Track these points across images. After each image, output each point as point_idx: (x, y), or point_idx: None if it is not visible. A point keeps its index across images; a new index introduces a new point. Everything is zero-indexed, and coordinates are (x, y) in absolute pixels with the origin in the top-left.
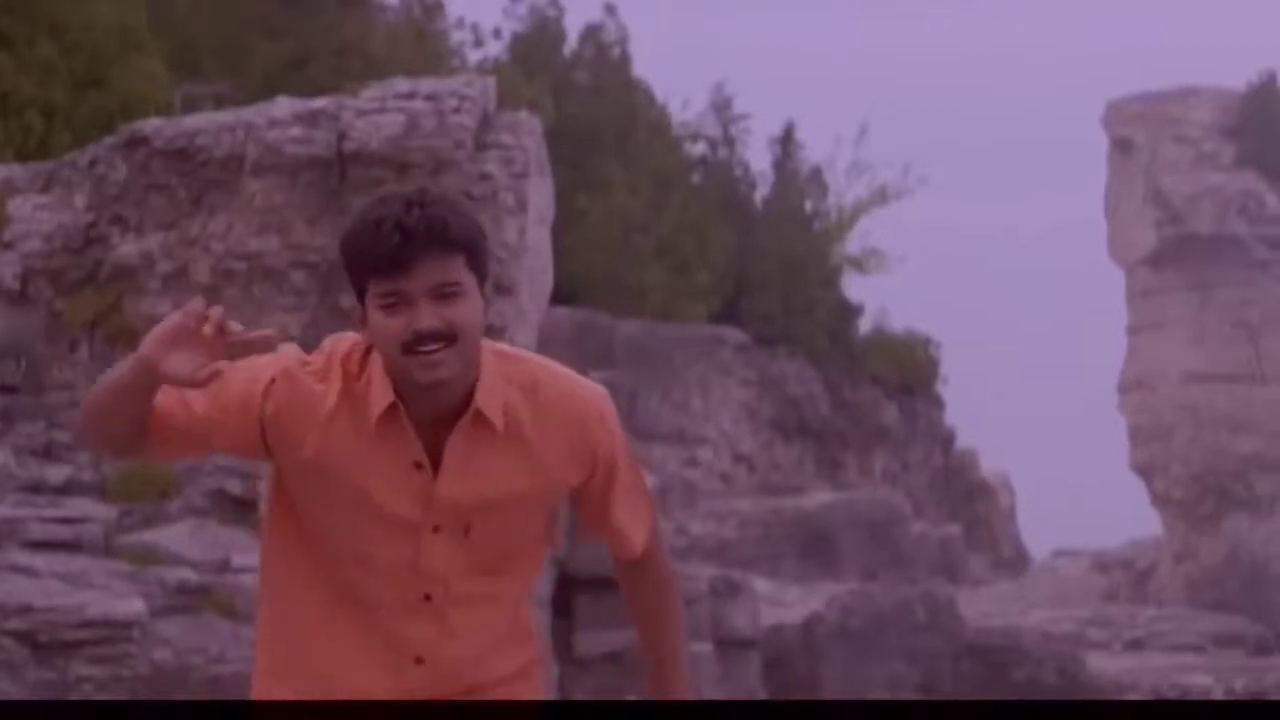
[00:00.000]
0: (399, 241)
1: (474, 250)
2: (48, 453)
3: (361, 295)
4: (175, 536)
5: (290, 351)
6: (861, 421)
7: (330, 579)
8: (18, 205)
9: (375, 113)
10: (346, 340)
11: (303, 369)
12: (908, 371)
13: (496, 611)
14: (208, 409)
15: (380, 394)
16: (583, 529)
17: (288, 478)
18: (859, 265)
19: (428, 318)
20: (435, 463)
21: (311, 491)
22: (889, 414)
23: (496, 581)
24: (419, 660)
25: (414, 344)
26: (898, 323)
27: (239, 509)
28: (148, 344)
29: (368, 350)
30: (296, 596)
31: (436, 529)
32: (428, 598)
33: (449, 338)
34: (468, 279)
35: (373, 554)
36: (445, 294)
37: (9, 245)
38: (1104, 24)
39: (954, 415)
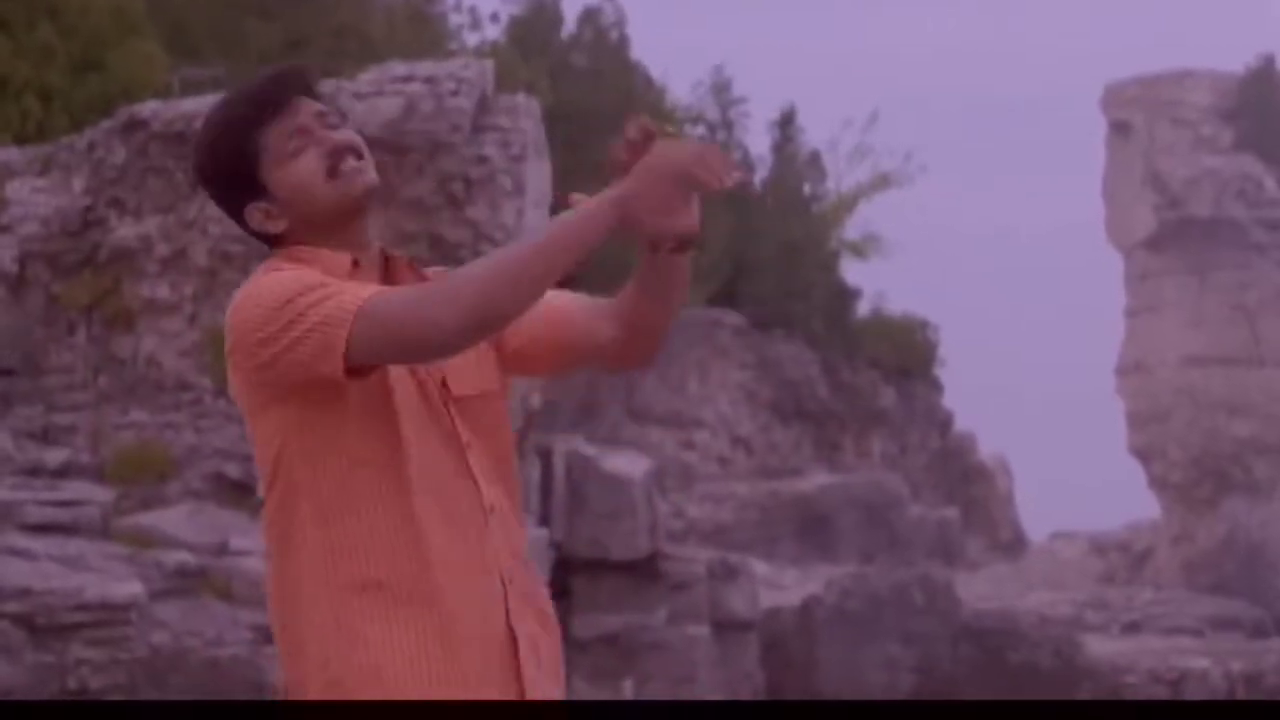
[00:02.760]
0: (276, 82)
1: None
2: (45, 436)
3: (245, 196)
4: (173, 519)
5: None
6: (859, 404)
7: (419, 515)
8: (15, 189)
9: (372, 96)
10: (274, 260)
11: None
12: (905, 354)
13: (521, 529)
14: None
15: (339, 260)
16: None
17: (351, 412)
18: (858, 250)
19: (336, 136)
20: None
21: (377, 419)
22: (887, 397)
23: (508, 493)
24: (506, 580)
25: (337, 161)
26: (896, 307)
27: (237, 492)
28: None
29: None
30: (399, 549)
31: (454, 422)
32: (492, 509)
33: (359, 153)
34: (337, 112)
35: (436, 468)
36: (331, 123)
37: (7, 229)
38: (1103, 17)
39: (952, 398)
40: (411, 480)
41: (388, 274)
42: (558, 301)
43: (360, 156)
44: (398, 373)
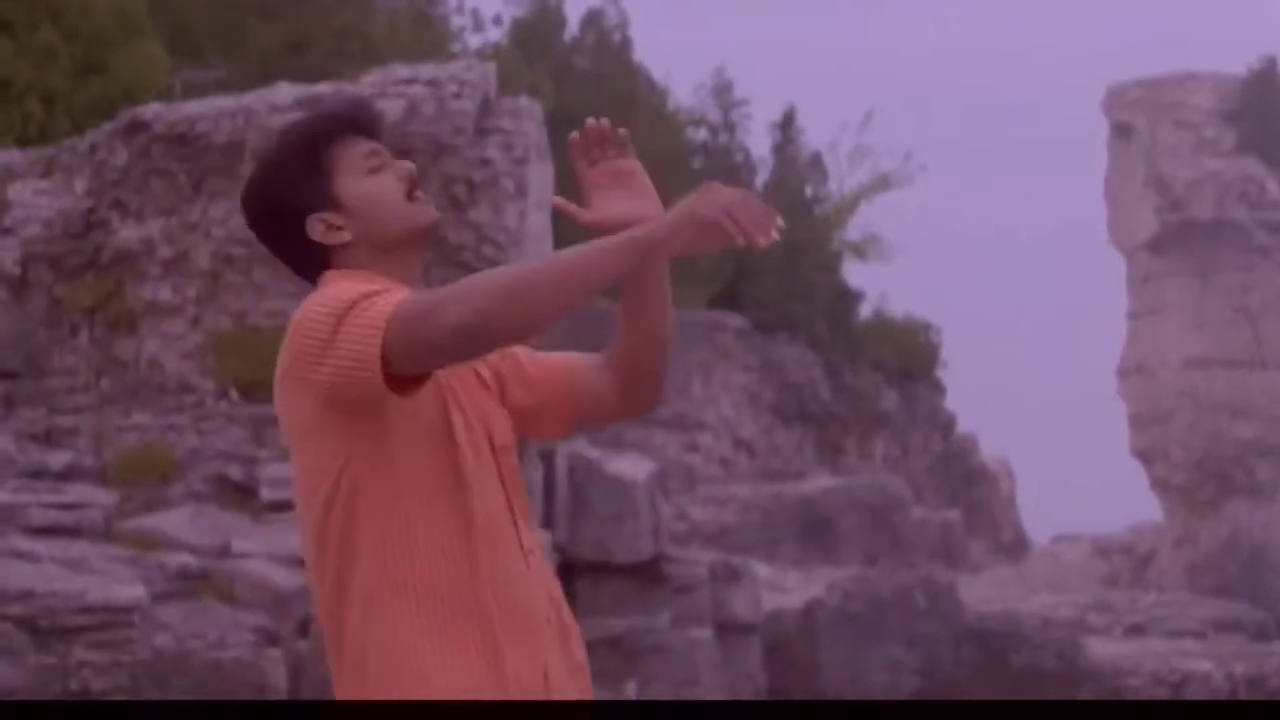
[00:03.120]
0: (356, 105)
1: None
2: (48, 438)
3: (311, 205)
4: (176, 522)
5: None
6: (862, 406)
7: (478, 545)
8: (18, 191)
9: (375, 98)
10: (330, 274)
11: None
12: (908, 357)
13: (554, 577)
14: None
15: (398, 290)
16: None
17: (414, 436)
18: (859, 251)
19: (408, 165)
20: None
21: (438, 447)
22: (889, 399)
23: (538, 542)
24: (546, 622)
25: (414, 187)
26: (898, 309)
27: (239, 494)
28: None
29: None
30: (446, 574)
31: (500, 468)
32: (530, 552)
33: (422, 189)
34: None
35: (491, 502)
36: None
37: (9, 231)
38: (1104, 17)
39: (954, 400)
40: (474, 512)
41: None
42: (564, 362)
43: (423, 193)
44: (455, 409)
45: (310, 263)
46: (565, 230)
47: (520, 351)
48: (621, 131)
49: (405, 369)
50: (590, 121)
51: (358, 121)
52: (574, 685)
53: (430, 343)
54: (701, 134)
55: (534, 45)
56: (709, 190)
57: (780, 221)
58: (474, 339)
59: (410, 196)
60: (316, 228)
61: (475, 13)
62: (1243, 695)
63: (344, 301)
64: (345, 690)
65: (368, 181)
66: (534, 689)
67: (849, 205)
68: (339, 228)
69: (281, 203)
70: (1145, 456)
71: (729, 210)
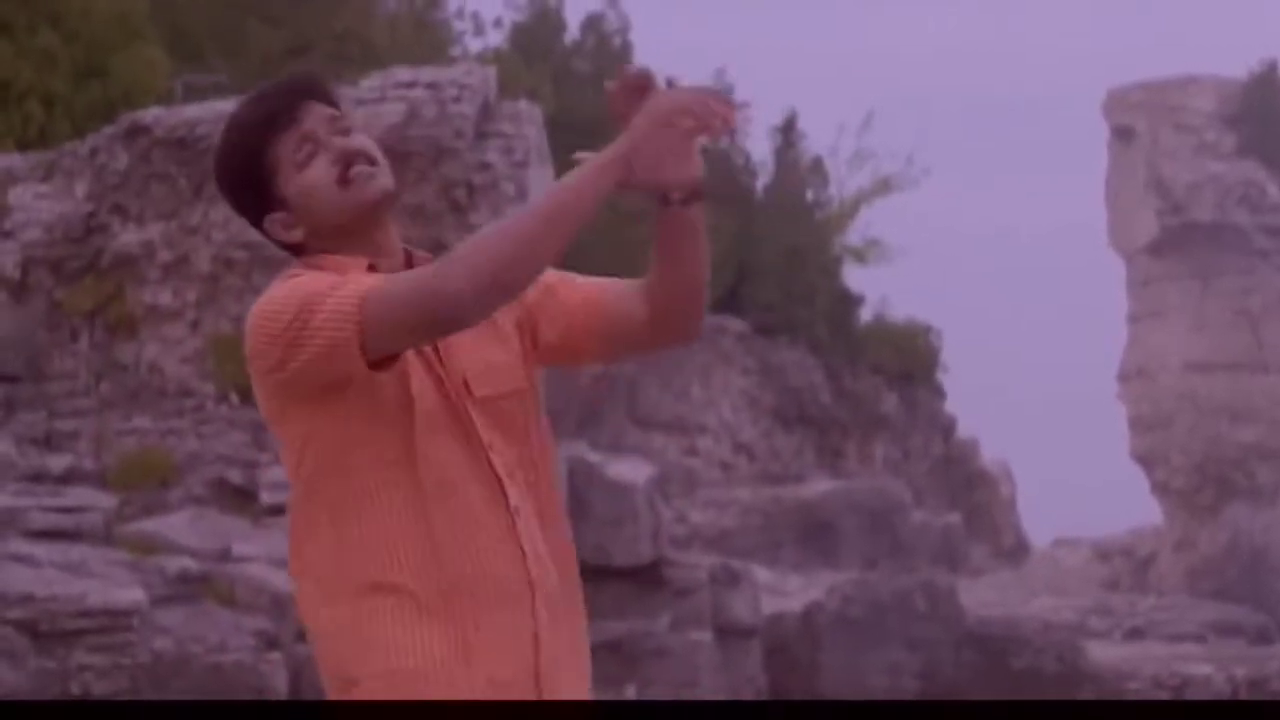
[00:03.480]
0: (284, 90)
1: (336, 100)
2: (48, 442)
3: (264, 207)
4: (176, 525)
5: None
6: (862, 410)
7: (434, 520)
8: (18, 194)
9: (375, 102)
10: (292, 268)
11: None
12: (908, 360)
13: (557, 531)
14: None
15: (355, 265)
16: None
17: (365, 416)
18: (860, 256)
19: (346, 142)
20: None
21: (391, 423)
22: (889, 403)
23: (539, 495)
24: (535, 585)
25: (346, 169)
26: (898, 312)
27: (239, 498)
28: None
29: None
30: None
31: (475, 424)
32: (518, 511)
33: (371, 160)
34: (351, 118)
35: (453, 471)
36: (342, 129)
37: (9, 234)
38: (1104, 17)
39: (954, 404)
40: (424, 484)
41: None
42: (591, 289)
43: (373, 162)
44: (418, 374)
45: (290, 250)
46: None
47: (550, 275)
48: (647, 72)
49: (391, 348)
50: (627, 69)
51: (288, 106)
52: (568, 638)
53: (445, 314)
54: (701, 139)
55: (534, 49)
56: (670, 92)
57: (742, 102)
58: (488, 301)
59: (344, 178)
60: (274, 228)
61: (475, 16)
62: (1243, 699)
63: (294, 301)
64: (329, 688)
65: (298, 177)
66: (509, 680)
67: (849, 209)
68: (291, 225)
69: (242, 208)
70: (1146, 460)
71: (698, 100)
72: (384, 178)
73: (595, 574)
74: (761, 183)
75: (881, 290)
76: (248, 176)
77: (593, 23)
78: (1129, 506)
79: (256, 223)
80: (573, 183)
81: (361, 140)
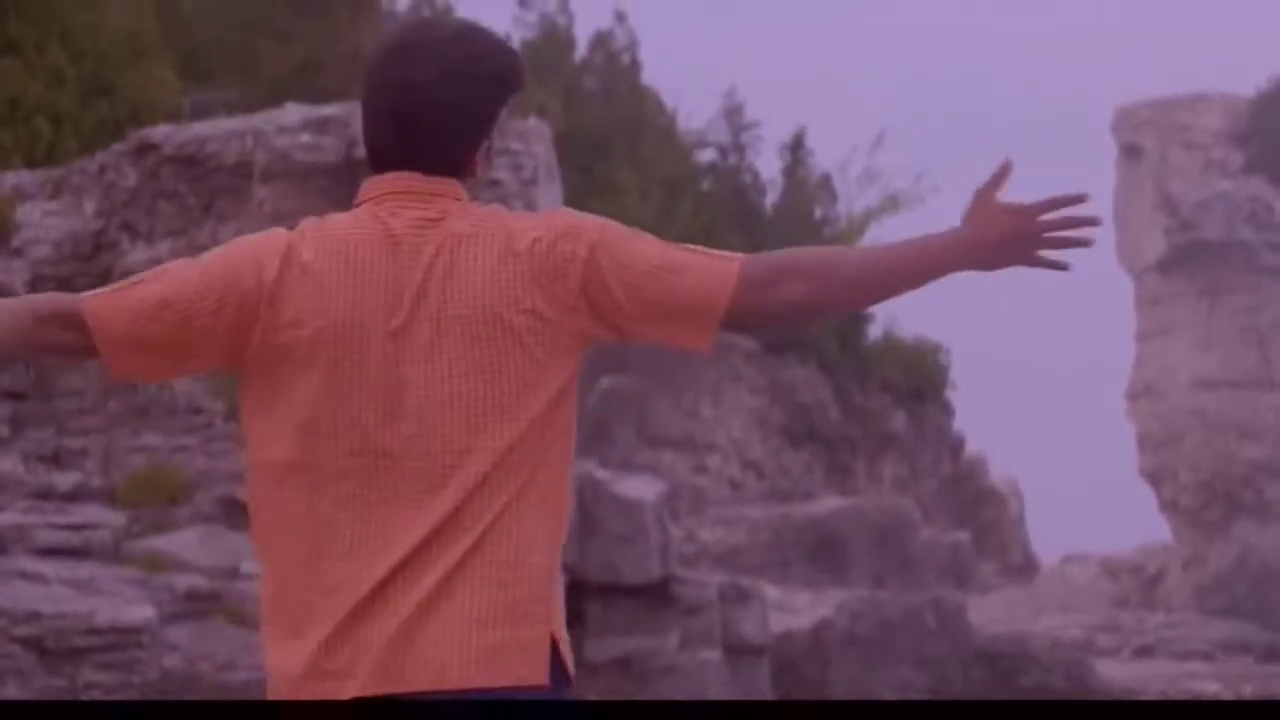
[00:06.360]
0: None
1: None
2: (56, 459)
3: (480, 140)
4: (184, 543)
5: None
6: (871, 428)
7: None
8: (27, 212)
9: None
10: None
11: None
12: (917, 378)
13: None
14: None
15: None
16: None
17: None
18: None
19: None
20: None
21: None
22: (898, 420)
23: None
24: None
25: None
26: (907, 330)
27: (248, 516)
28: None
29: None
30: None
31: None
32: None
33: None
34: None
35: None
36: None
37: (18, 252)
38: (1112, 31)
39: (963, 422)
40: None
41: None
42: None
43: None
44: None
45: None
46: None
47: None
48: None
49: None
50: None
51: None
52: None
53: (765, 312)
54: (710, 155)
55: (543, 66)
56: (1026, 220)
57: (1094, 218)
58: (802, 317)
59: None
60: (484, 157)
61: None
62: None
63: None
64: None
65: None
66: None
67: (858, 226)
68: (485, 166)
69: (470, 130)
70: (1154, 478)
71: (1044, 241)
72: None
73: (604, 591)
74: (770, 200)
75: (890, 308)
76: (496, 111)
77: (601, 40)
78: (1137, 523)
79: (473, 142)
80: (916, 255)
81: None
